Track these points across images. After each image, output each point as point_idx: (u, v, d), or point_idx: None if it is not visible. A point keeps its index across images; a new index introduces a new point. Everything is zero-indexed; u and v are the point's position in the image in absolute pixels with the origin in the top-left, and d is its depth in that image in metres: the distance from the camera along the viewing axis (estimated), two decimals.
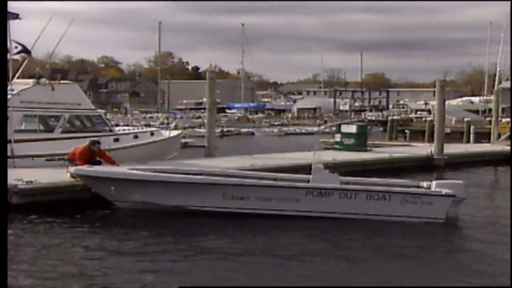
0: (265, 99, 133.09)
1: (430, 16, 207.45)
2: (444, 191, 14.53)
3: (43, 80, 21.19)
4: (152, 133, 24.03)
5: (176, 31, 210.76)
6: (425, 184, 15.36)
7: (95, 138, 17.22)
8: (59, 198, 14.96)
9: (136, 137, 23.00)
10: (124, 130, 24.41)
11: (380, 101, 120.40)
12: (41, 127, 20.95)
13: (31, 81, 20.46)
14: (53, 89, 20.56)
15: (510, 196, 18.43)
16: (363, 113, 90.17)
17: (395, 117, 50.65)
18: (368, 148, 29.13)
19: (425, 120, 47.44)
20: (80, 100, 21.46)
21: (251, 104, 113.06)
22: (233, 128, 60.59)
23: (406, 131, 46.88)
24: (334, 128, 35.46)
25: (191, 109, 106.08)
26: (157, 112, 71.97)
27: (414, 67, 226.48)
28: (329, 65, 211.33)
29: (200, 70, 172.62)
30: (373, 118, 75.98)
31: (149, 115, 76.41)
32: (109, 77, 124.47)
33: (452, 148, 30.94)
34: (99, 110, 22.61)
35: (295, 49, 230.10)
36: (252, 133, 58.98)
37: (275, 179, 15.72)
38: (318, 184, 14.58)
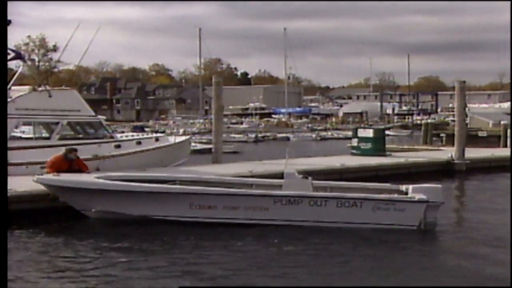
0: (313, 104, 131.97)
1: (488, 17, 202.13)
2: (417, 196, 13.81)
3: (45, 87, 21.06)
4: (157, 139, 23.72)
5: (228, 37, 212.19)
6: (404, 188, 14.65)
7: (72, 146, 16.87)
8: (33, 207, 14.68)
9: (139, 143, 22.70)
10: (127, 136, 24.11)
11: (432, 105, 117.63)
12: (45, 134, 20.91)
13: (27, 87, 20.36)
14: (50, 96, 20.40)
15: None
16: (408, 117, 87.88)
17: (429, 121, 48.98)
18: (388, 153, 28.09)
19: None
20: (79, 106, 21.25)
21: (297, 109, 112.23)
22: (269, 133, 60.01)
23: (442, 135, 45.15)
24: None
25: (236, 114, 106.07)
26: (195, 119, 72.18)
27: (470, 69, 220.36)
28: (382, 69, 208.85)
29: (250, 76, 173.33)
30: (418, 122, 74.05)
31: (190, 121, 76.70)
32: (156, 84, 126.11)
33: (478, 152, 29.48)
34: (99, 117, 22.36)
35: (349, 53, 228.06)
36: (288, 138, 58.36)
37: (251, 185, 15.19)
38: (287, 192, 14.07)
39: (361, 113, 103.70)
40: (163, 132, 52.86)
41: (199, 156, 31.85)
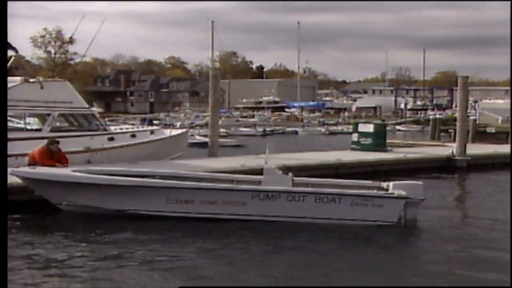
0: (327, 98, 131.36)
1: (508, 11, 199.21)
2: (396, 192, 13.65)
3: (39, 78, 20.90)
4: (152, 132, 23.45)
5: (245, 30, 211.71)
6: (385, 185, 14.47)
7: (54, 138, 16.65)
8: (11, 199, 14.42)
9: (133, 136, 22.46)
10: (122, 129, 23.86)
11: (448, 100, 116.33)
12: (40, 126, 20.75)
13: (18, 78, 20.17)
14: (42, 87, 20.17)
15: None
16: (421, 112, 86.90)
17: (437, 116, 48.26)
18: (389, 148, 27.64)
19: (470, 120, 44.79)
20: (72, 98, 21.02)
21: (310, 103, 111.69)
22: (278, 127, 59.68)
23: (450, 130, 44.44)
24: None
25: (249, 108, 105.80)
26: (204, 112, 71.78)
27: (490, 64, 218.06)
28: (399, 63, 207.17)
29: (265, 70, 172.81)
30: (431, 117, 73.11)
31: (202, 114, 76.29)
32: (170, 77, 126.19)
33: (481, 149, 28.93)
34: (93, 109, 22.18)
35: (366, 47, 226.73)
36: (296, 132, 58.05)
37: (232, 181, 14.98)
38: (265, 187, 13.84)
39: (374, 108, 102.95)
40: (169, 125, 52.68)
41: (199, 149, 31.62)
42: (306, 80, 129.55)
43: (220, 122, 64.08)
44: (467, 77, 27.54)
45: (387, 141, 35.08)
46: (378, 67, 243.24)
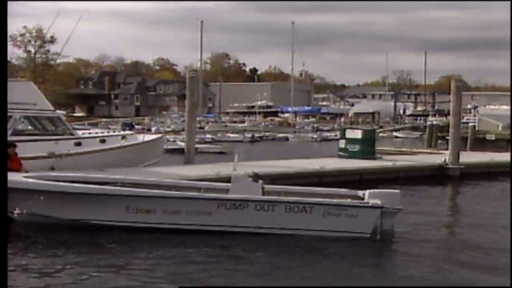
0: (324, 103, 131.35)
1: None
2: (371, 202, 13.45)
3: None
4: (123, 137, 23.21)
5: (239, 31, 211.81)
6: (361, 193, 14.32)
7: (11, 141, 16.39)
8: None
9: (103, 141, 22.21)
10: (91, 133, 23.61)
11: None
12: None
13: None
14: None
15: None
16: (420, 118, 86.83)
17: (435, 122, 48.19)
18: (379, 156, 27.51)
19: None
20: (36, 99, 20.78)
21: (305, 108, 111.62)
22: (268, 133, 59.61)
23: (448, 137, 44.36)
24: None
25: (240, 112, 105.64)
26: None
27: (497, 68, 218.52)
28: (402, 66, 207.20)
29: (259, 72, 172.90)
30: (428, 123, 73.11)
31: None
32: (158, 79, 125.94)
33: (477, 157, 28.81)
34: (58, 111, 21.92)
35: (366, 50, 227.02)
36: (287, 139, 58.01)
37: (200, 189, 14.77)
38: (231, 196, 13.64)
39: (372, 113, 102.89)
40: (149, 130, 52.49)
41: (180, 156, 31.37)
42: (302, 83, 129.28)
43: (207, 127, 64.62)
44: (461, 80, 27.94)
45: (379, 148, 35.11)
46: (379, 70, 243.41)
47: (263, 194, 14.18)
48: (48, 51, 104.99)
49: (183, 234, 13.15)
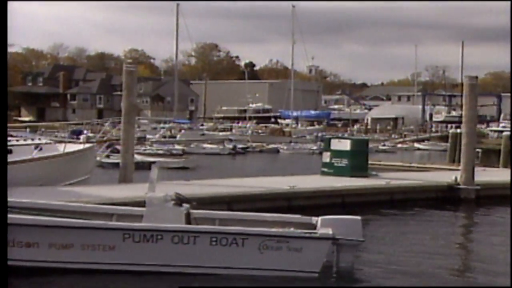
0: (336, 106, 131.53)
1: None
2: (321, 231, 13.08)
3: None
4: (37, 147, 22.67)
5: (233, 16, 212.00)
6: (314, 220, 13.91)
7: None
8: None
9: (9, 152, 21.66)
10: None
11: (497, 109, 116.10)
12: None
13: None
14: None
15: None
16: (453, 126, 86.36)
17: (458, 131, 47.65)
18: (373, 173, 27.05)
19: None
20: None
21: (311, 112, 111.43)
22: (255, 144, 59.41)
23: (478, 150, 43.77)
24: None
25: (230, 117, 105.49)
26: (164, 123, 71.85)
27: None
28: (437, 61, 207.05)
29: (257, 68, 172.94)
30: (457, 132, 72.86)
31: (161, 125, 76.10)
32: None
33: (495, 175, 28.31)
34: None
35: (393, 40, 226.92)
36: (277, 151, 57.81)
37: (112, 215, 14.36)
38: (141, 225, 13.17)
39: (395, 119, 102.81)
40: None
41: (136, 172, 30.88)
42: (308, 82, 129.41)
43: (178, 136, 64.24)
44: (476, 77, 26.96)
45: (381, 162, 34.77)
46: (408, 65, 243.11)
47: (189, 223, 13.76)
48: None
49: (73, 275, 12.64)
